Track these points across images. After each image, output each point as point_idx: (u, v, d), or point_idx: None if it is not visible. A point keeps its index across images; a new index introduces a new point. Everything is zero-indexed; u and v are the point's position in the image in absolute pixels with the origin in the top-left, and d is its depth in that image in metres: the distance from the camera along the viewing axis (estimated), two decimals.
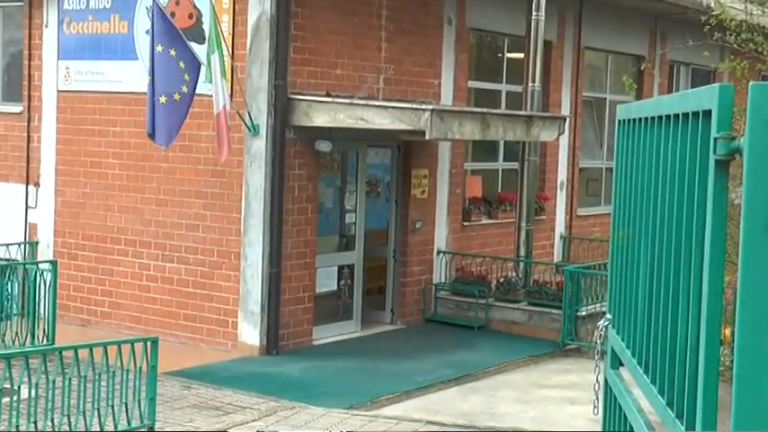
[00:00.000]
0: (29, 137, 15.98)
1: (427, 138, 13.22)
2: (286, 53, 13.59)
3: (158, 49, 12.76)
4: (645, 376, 3.64)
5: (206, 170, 14.03)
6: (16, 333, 12.79)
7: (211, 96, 13.09)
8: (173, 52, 12.76)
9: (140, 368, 9.52)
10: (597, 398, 4.79)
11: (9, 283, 13.18)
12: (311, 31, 13.99)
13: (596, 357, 4.79)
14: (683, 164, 3.15)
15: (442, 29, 16.33)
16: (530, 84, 16.32)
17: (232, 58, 13.53)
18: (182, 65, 12.77)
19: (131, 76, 14.77)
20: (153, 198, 14.65)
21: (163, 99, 12.75)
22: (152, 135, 12.87)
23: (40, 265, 13.23)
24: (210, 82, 12.66)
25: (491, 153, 18.33)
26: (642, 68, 17.80)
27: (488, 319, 15.79)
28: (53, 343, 12.52)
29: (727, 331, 11.36)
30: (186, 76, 12.77)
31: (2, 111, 16.33)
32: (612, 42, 20.33)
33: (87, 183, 15.32)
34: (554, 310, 15.18)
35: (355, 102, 13.68)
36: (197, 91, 12.84)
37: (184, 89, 12.76)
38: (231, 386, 12.08)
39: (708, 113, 2.82)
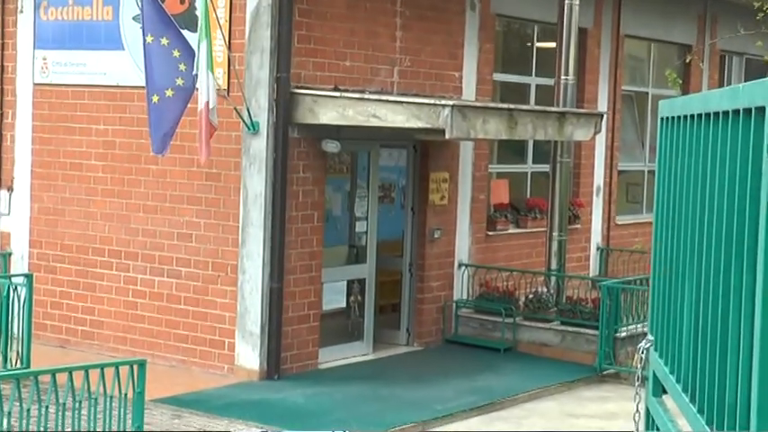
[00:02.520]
0: (1, 135, 16.02)
1: (447, 137, 13.22)
2: (289, 42, 13.61)
3: (148, 40, 12.78)
4: (691, 405, 3.63)
5: (200, 173, 14.05)
6: None
7: None
8: (165, 41, 12.76)
9: (126, 394, 9.52)
10: (637, 429, 4.78)
11: None
12: (317, 18, 14.01)
13: (636, 384, 4.78)
14: (734, 166, 3.14)
15: (465, 15, 16.33)
16: (562, 76, 16.30)
17: (229, 47, 13.56)
18: (176, 54, 12.78)
19: (117, 67, 14.81)
20: (140, 204, 14.67)
21: (155, 98, 12.76)
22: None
23: (14, 279, 13.24)
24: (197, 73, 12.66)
25: (519, 154, 18.32)
26: (688, 61, 17.77)
27: (516, 340, 15.76)
28: (28, 366, 12.52)
29: None
30: (182, 67, 12.76)
31: None
32: (656, 30, 20.30)
33: (67, 187, 15.36)
34: (590, 331, 15.15)
35: (367, 96, 13.68)
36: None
37: (179, 82, 12.75)
38: (227, 415, 12.08)
39: (761, 110, 2.82)
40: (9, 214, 16.01)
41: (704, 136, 3.62)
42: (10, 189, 15.98)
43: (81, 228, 15.22)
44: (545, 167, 17.31)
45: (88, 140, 15.16)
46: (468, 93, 16.36)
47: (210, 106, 12.62)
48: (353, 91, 14.09)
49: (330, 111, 13.59)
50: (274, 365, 13.70)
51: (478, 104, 14.61)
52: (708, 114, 3.55)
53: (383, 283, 15.76)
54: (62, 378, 9.15)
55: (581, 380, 14.57)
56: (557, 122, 15.06)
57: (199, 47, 12.61)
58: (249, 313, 13.74)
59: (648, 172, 20.61)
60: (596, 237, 19.32)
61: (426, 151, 15.88)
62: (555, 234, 16.51)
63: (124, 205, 14.82)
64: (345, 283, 15.18)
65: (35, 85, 15.67)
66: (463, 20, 16.31)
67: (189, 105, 13.02)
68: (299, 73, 13.79)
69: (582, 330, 15.30)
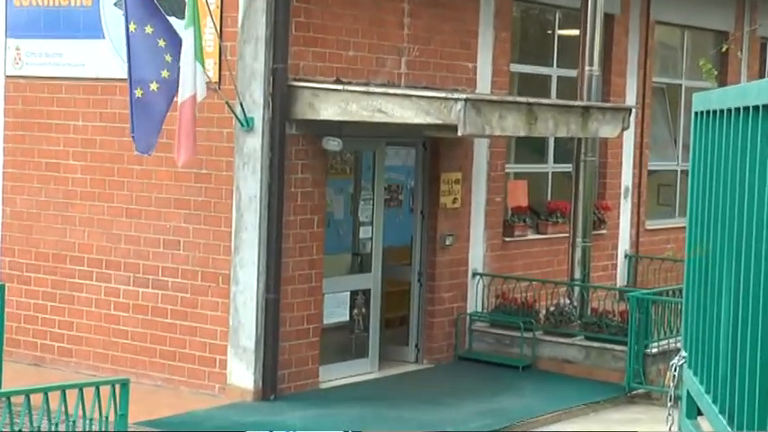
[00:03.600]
0: None
1: (460, 134, 13.21)
2: (286, 30, 13.62)
3: (131, 28, 12.78)
4: (729, 428, 3.63)
5: (188, 174, 14.05)
6: None
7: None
8: (149, 29, 12.75)
9: (107, 417, 9.52)
10: None
11: None
12: (317, 4, 14.02)
13: (669, 404, 4.79)
14: None
15: (479, 0, 16.33)
16: (587, 67, 16.29)
17: (220, 36, 13.57)
18: (161, 43, 12.78)
19: (96, 58, 14.81)
20: (123, 208, 14.68)
21: (139, 92, 12.76)
22: (135, 138, 12.93)
23: None
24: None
25: (539, 152, 18.30)
26: (724, 49, 17.74)
27: (536, 356, 15.75)
28: None
29: None
30: (168, 57, 12.77)
31: None
32: (690, 15, 20.28)
33: (42, 189, 15.37)
34: (617, 347, 15.14)
35: (371, 90, 13.68)
36: None
37: (164, 74, 12.74)
38: None
39: None
40: None
41: (743, 132, 3.62)
42: None
43: (58, 234, 15.23)
44: (567, 167, 17.29)
45: (65, 138, 15.17)
46: (483, 85, 16.36)
47: (198, 99, 12.59)
48: (357, 84, 14.10)
49: (331, 105, 13.59)
50: (270, 385, 13.69)
51: (494, 98, 14.62)
52: (746, 108, 3.56)
53: (390, 295, 15.75)
54: (37, 399, 9.15)
55: (608, 400, 14.55)
56: (580, 118, 15.05)
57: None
58: (243, 327, 13.74)
59: (681, 172, 20.58)
60: (624, 243, 19.30)
61: (437, 150, 15.87)
62: (578, 240, 16.50)
63: (105, 209, 14.82)
64: (348, 294, 15.17)
65: (7, 77, 15.68)
66: (477, 5, 16.31)
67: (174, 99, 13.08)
68: (297, 64, 13.80)
69: (608, 346, 15.28)
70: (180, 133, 12.70)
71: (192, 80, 12.56)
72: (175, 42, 12.79)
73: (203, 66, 12.71)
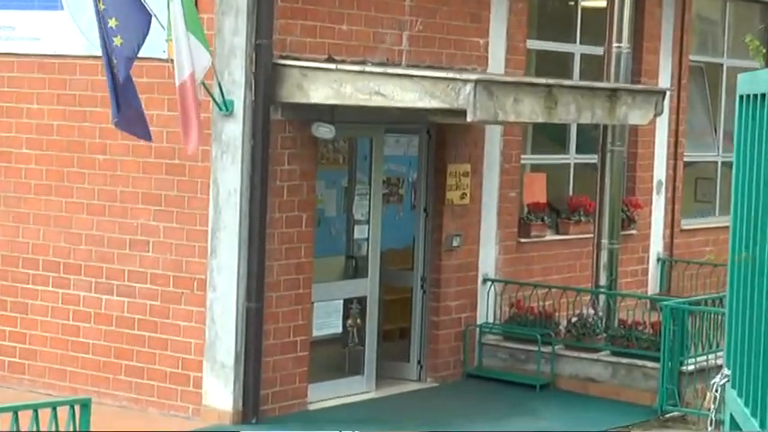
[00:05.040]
0: None
1: (469, 120, 13.22)
2: (271, 0, 13.61)
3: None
4: None
5: (158, 165, 14.05)
6: None
7: (165, 61, 13.06)
8: (101, 5, 12.51)
9: None
10: None
11: None
12: None
13: (709, 429, 4.78)
14: None
15: None
16: (614, 44, 16.30)
17: (196, 6, 13.54)
18: (112, 24, 12.49)
19: (53, 32, 14.80)
20: (84, 204, 14.67)
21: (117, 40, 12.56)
22: (118, 123, 12.75)
23: None
24: (170, 39, 12.53)
25: (559, 142, 18.31)
26: None
27: (555, 374, 15.77)
28: None
29: None
30: (117, 41, 12.43)
31: None
32: None
33: None
34: (648, 363, 15.15)
35: (368, 69, 13.68)
36: (147, 54, 12.81)
37: (113, 60, 12.49)
38: None
39: None
40: None
41: None
42: None
43: (9, 233, 15.22)
44: (592, 158, 17.30)
45: (18, 123, 15.16)
46: (496, 65, 16.36)
47: (197, 77, 12.45)
48: (352, 62, 14.10)
49: (322, 87, 13.59)
50: (252, 406, 13.69)
51: (509, 79, 14.62)
52: None
53: (388, 303, 15.77)
54: None
55: (637, 425, 14.57)
56: (607, 102, 15.05)
57: (168, 3, 12.39)
58: (220, 340, 13.75)
59: (723, 163, 20.61)
60: (657, 245, 19.31)
61: (443, 138, 15.88)
62: (604, 242, 16.51)
63: (63, 205, 14.81)
64: (341, 302, 15.17)
65: None
66: None
67: (160, 81, 13.08)
68: (283, 39, 13.79)
69: (638, 363, 15.29)
70: (184, 118, 12.49)
71: (188, 56, 12.39)
72: (132, 21, 12.46)
73: (200, 36, 12.50)
